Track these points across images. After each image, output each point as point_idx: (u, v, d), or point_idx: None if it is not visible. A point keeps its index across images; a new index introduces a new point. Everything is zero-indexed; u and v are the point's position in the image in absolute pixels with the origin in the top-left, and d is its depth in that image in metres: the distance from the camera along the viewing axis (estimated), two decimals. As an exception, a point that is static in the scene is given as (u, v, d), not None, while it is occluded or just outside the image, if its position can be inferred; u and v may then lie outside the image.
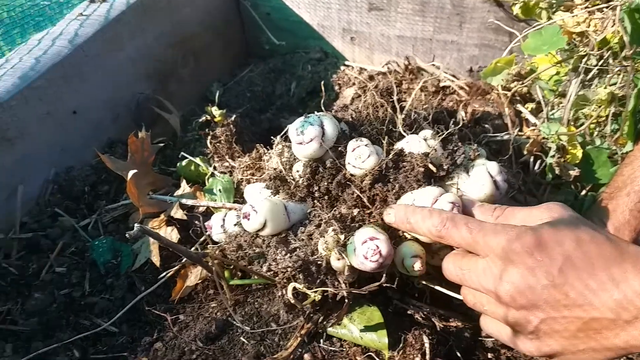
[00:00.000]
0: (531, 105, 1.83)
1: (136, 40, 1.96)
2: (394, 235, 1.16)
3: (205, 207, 1.61)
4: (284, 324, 1.29)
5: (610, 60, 1.50)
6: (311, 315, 1.26)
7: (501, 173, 1.19)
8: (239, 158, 1.74)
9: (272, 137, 1.39)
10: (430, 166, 1.14)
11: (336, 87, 2.31)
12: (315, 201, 1.24)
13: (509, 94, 1.74)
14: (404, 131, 1.20)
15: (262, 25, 2.40)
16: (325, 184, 1.19)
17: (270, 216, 1.18)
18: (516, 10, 1.84)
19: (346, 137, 1.23)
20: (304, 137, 1.17)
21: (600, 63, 1.53)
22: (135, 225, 1.07)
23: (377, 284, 1.11)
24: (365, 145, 1.16)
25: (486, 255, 0.94)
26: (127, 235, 1.05)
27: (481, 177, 1.17)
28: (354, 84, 2.28)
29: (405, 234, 1.15)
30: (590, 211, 1.30)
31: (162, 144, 1.76)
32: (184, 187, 1.65)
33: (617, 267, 0.76)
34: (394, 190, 1.13)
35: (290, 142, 1.42)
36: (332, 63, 2.41)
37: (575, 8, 1.64)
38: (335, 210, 1.17)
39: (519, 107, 1.84)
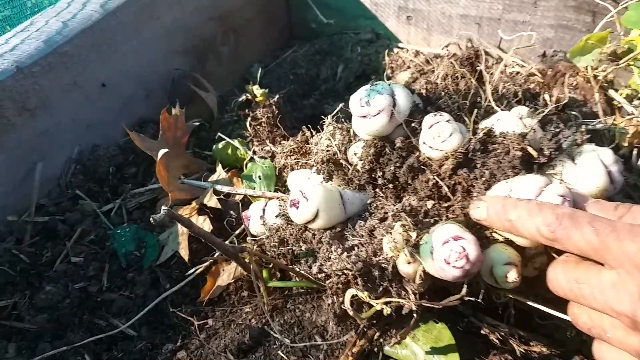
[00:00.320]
0: (626, 92, 1.55)
1: (174, 11, 1.78)
2: (478, 237, 0.91)
3: (242, 196, 1.41)
4: (332, 338, 1.07)
5: None
6: (365, 330, 1.03)
7: (617, 163, 0.94)
8: (281, 142, 1.53)
9: (321, 120, 1.17)
10: (530, 150, 0.90)
11: (388, 71, 2.07)
12: (378, 190, 1.01)
13: (602, 76, 1.46)
14: (496, 105, 0.95)
15: (309, 1, 2.19)
16: (392, 168, 0.96)
17: (324, 205, 0.96)
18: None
19: (420, 111, 1.00)
20: (370, 108, 0.94)
21: None
22: (162, 207, 0.87)
23: (458, 296, 0.87)
24: (447, 121, 0.93)
25: (618, 266, 0.70)
26: (151, 219, 0.85)
27: (593, 166, 0.92)
28: (408, 67, 2.03)
29: (494, 234, 0.91)
30: None
31: (197, 123, 1.56)
32: (220, 172, 1.45)
33: None
34: (483, 179, 0.89)
35: (343, 122, 1.20)
36: (385, 45, 2.17)
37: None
38: (403, 201, 0.94)
39: (611, 93, 1.56)
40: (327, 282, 0.95)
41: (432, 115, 0.95)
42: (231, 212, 1.40)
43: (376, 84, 0.97)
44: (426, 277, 0.90)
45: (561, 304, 0.89)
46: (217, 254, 1.28)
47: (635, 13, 1.39)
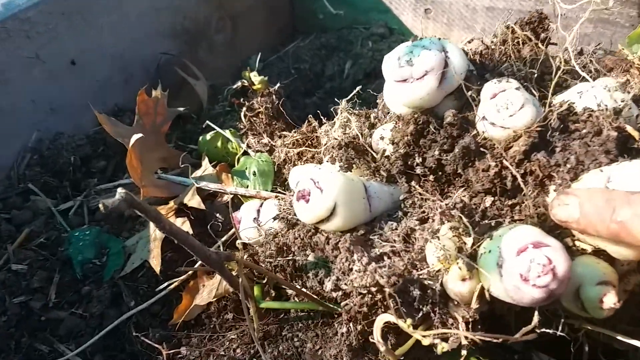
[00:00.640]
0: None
1: (162, -15, 1.55)
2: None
3: (232, 196, 1.15)
4: (345, 379, 0.80)
5: None
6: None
7: None
8: (282, 135, 1.27)
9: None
10: (630, 130, 0.65)
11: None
12: (414, 182, 0.75)
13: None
14: (582, 73, 0.71)
15: (316, -12, 1.97)
16: (437, 152, 0.71)
17: (344, 199, 0.70)
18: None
19: (477, 78, 0.75)
20: (414, 68, 0.70)
21: None
22: (119, 190, 0.61)
23: (530, 327, 0.62)
24: (516, 89, 0.68)
25: None
26: (100, 205, 0.59)
27: None
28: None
29: (578, 241, 0.65)
30: None
31: (182, 110, 1.30)
32: (206, 167, 1.20)
33: None
34: (568, 166, 0.64)
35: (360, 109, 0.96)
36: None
37: None
38: (454, 197, 0.68)
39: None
40: (344, 303, 0.69)
41: (496, 81, 0.71)
42: (217, 214, 1.14)
43: (421, 39, 0.72)
44: (483, 299, 0.64)
45: None
46: (197, 264, 1.01)
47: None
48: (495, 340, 0.64)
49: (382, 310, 0.67)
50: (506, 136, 0.69)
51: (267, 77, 1.43)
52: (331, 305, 0.81)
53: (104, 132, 1.26)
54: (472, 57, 0.81)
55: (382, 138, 0.83)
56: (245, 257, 0.97)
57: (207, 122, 1.28)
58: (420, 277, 0.65)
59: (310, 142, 1.14)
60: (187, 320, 0.98)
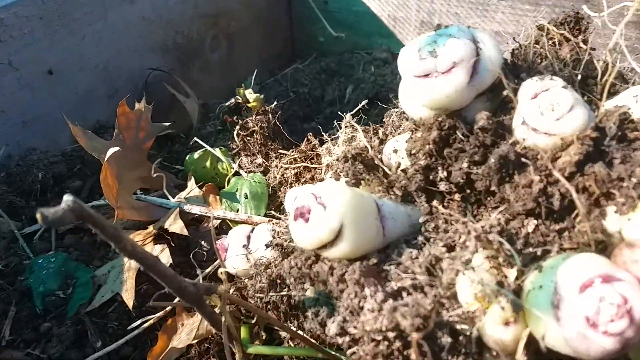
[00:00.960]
0: None
1: (155, -4, 1.46)
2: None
3: (219, 220, 1.01)
4: None
5: None
6: None
7: None
8: (279, 156, 1.15)
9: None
10: None
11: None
12: (436, 202, 0.62)
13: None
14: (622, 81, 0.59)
15: (317, 10, 1.89)
16: (466, 165, 0.58)
17: (352, 218, 0.57)
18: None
19: (513, 76, 0.63)
20: (439, 60, 0.58)
21: None
22: (65, 197, 0.47)
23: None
24: (563, 88, 0.56)
25: None
26: (38, 215, 0.45)
27: None
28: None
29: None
30: None
31: (167, 125, 1.17)
32: (192, 188, 1.06)
33: None
34: (635, 180, 0.51)
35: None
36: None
37: None
38: (491, 219, 0.55)
39: None
40: (352, 351, 0.54)
41: (537, 79, 0.59)
42: (202, 242, 1.01)
43: (446, 27, 0.60)
44: (533, 350, 0.50)
45: None
46: (176, 299, 0.86)
47: None
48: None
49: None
50: (552, 145, 0.57)
51: (264, 101, 1.33)
52: (334, 353, 0.66)
53: (83, 150, 1.13)
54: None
55: (395, 151, 0.70)
56: (231, 291, 0.83)
57: (195, 139, 1.15)
58: (451, 319, 0.51)
59: (310, 162, 1.02)
60: (161, 366, 0.83)
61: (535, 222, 0.56)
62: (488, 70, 0.59)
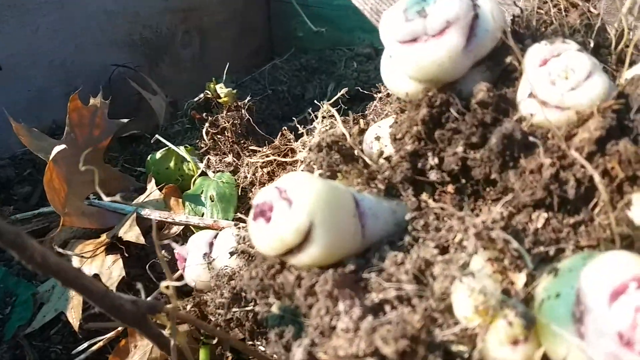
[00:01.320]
0: None
1: (119, -13, 1.35)
2: None
3: (182, 227, 0.89)
4: None
5: None
6: None
7: None
8: (251, 154, 1.04)
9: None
10: None
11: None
12: (425, 195, 0.52)
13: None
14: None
15: (296, 5, 1.79)
16: (462, 149, 0.48)
17: (324, 215, 0.46)
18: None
19: (516, 41, 0.53)
20: (429, 21, 0.48)
21: None
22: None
23: None
24: (578, 51, 0.46)
25: None
26: None
27: None
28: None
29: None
30: None
31: (126, 122, 1.05)
32: (151, 190, 0.94)
33: None
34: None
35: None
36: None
37: None
38: (493, 212, 0.44)
39: None
40: (325, 381, 0.43)
41: (546, 43, 0.49)
42: (163, 251, 0.88)
43: (433, -17, 0.50)
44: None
45: None
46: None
47: None
48: None
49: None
50: (566, 120, 0.47)
51: (235, 91, 1.22)
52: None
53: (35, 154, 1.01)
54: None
55: (377, 138, 0.60)
56: (188, 307, 0.71)
57: (157, 136, 1.03)
58: (446, 339, 0.40)
59: (284, 157, 0.91)
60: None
61: (545, 215, 0.46)
62: (488, 31, 0.48)
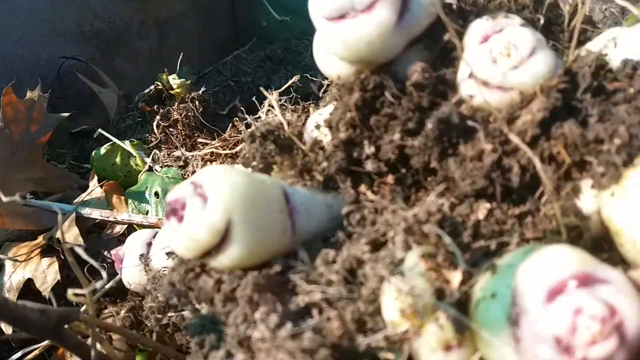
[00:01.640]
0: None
1: (63, -26, 1.28)
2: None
3: (124, 226, 0.84)
4: None
5: None
6: None
7: None
8: (203, 148, 0.99)
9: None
10: None
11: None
12: (363, 187, 0.47)
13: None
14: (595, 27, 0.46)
15: (261, -2, 1.74)
16: (399, 136, 0.44)
17: (245, 212, 0.41)
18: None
19: (457, 17, 0.48)
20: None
21: None
22: None
23: None
24: (521, 26, 0.42)
25: None
26: None
27: None
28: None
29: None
30: None
31: (65, 116, 0.99)
32: (93, 188, 0.88)
33: None
34: (618, 142, 0.37)
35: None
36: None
37: None
38: (428, 203, 0.40)
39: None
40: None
41: (488, 17, 0.45)
42: (105, 252, 0.83)
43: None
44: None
45: None
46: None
47: None
48: None
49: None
50: (508, 101, 0.43)
51: (189, 82, 1.16)
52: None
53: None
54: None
55: (317, 127, 0.55)
56: (122, 312, 0.66)
57: (100, 130, 0.97)
58: (371, 345, 0.36)
59: (232, 150, 0.86)
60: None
61: (488, 205, 0.42)
62: (423, 5, 0.44)
